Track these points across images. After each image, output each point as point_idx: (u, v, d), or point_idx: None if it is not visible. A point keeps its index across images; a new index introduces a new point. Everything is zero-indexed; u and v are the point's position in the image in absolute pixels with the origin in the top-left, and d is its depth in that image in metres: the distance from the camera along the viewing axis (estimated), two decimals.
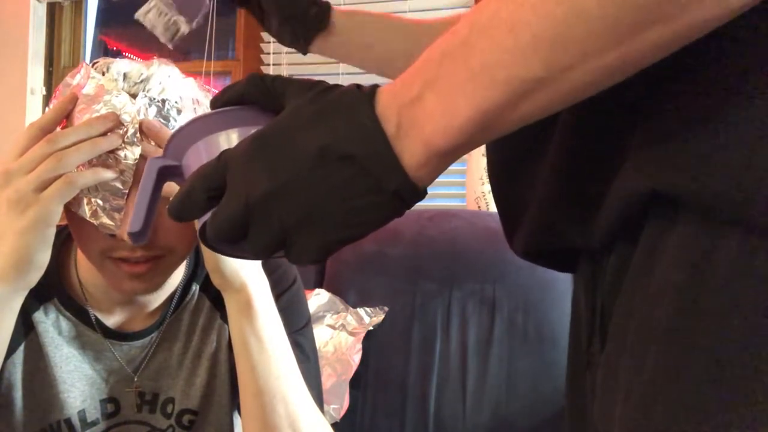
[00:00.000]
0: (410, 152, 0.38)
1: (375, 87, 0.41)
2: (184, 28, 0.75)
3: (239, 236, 0.42)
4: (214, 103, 0.49)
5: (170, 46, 0.75)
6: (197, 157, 0.48)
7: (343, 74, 2.14)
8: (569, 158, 0.43)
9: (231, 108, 0.48)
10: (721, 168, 0.33)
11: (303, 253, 0.42)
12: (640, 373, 0.36)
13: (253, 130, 0.46)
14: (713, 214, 0.34)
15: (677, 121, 0.36)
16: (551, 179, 0.44)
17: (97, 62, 0.75)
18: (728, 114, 0.34)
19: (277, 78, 0.46)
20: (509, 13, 0.34)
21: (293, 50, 0.86)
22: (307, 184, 0.40)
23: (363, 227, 0.41)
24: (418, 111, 0.38)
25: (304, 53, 0.84)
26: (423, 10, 2.20)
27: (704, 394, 0.33)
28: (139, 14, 0.73)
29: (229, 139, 0.47)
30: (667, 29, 0.32)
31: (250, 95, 0.47)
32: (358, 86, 0.42)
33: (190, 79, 0.78)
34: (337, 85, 0.43)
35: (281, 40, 0.84)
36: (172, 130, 0.72)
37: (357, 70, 2.50)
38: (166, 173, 0.51)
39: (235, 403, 0.87)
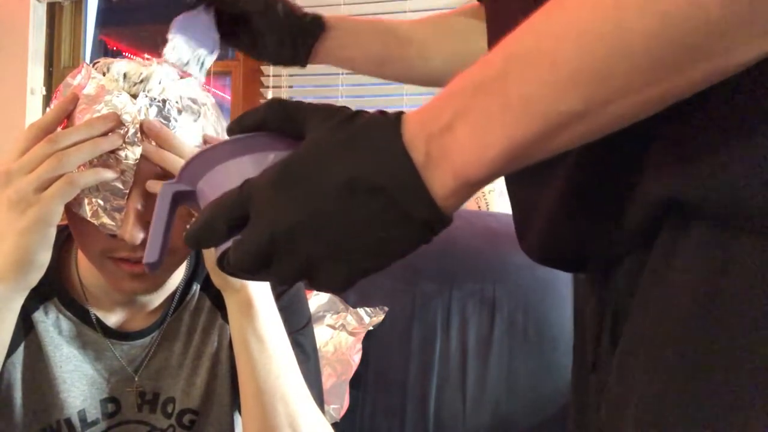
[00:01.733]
0: (440, 182, 0.38)
1: (401, 114, 0.40)
2: (209, 61, 0.78)
3: (263, 267, 0.42)
4: (232, 130, 0.48)
5: (203, 79, 0.78)
6: (215, 183, 0.47)
7: (343, 74, 2.14)
8: (585, 170, 0.43)
9: (250, 134, 0.47)
10: (740, 177, 0.34)
11: (329, 283, 0.41)
12: (655, 374, 0.36)
13: (271, 156, 0.45)
14: (731, 220, 0.34)
15: (697, 133, 0.36)
16: (567, 190, 0.44)
17: (97, 62, 0.75)
18: (747, 128, 0.34)
19: (298, 104, 0.45)
20: (549, 46, 0.34)
21: (327, 64, 0.88)
22: (334, 216, 0.39)
23: (391, 257, 0.41)
24: (449, 141, 0.37)
25: (304, 65, 0.86)
26: (423, 10, 2.20)
27: (720, 397, 0.33)
28: (166, 53, 0.75)
29: (249, 166, 0.46)
30: (710, 67, 0.32)
31: (269, 122, 0.46)
32: (383, 113, 0.41)
33: (191, 79, 0.78)
34: (360, 112, 0.42)
35: (280, 59, 0.85)
36: (173, 131, 0.72)
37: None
38: (178, 198, 0.50)
39: (236, 403, 0.87)
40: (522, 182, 0.51)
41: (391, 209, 0.39)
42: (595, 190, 0.42)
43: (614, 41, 0.32)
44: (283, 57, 0.85)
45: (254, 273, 0.43)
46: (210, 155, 0.48)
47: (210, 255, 0.76)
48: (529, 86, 0.34)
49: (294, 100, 0.46)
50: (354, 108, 0.43)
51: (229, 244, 0.44)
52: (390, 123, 0.40)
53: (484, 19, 0.88)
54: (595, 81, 0.33)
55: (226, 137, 0.48)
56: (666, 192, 0.37)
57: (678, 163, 0.37)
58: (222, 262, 0.46)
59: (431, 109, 0.39)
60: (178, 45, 0.75)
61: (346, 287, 0.42)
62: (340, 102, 2.16)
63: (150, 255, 0.49)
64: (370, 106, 2.20)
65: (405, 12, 2.19)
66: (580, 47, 0.33)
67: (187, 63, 0.76)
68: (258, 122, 0.46)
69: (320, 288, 0.42)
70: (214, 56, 0.78)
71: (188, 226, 0.45)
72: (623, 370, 0.40)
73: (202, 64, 0.77)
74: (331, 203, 0.39)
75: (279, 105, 0.46)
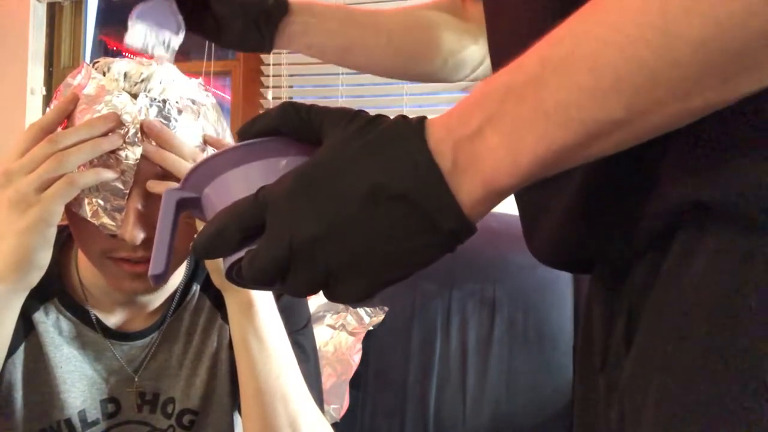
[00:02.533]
0: (467, 190, 0.37)
1: (423, 119, 0.39)
2: (175, 41, 0.78)
3: (278, 279, 0.40)
4: (244, 134, 0.45)
5: (171, 60, 0.78)
6: (224, 190, 0.45)
7: (343, 74, 2.14)
8: (600, 172, 0.42)
9: (262, 139, 0.44)
10: (762, 179, 0.33)
11: (348, 295, 0.40)
12: (674, 375, 0.36)
13: (284, 162, 0.43)
14: (756, 220, 0.34)
15: (722, 133, 0.35)
16: (582, 192, 0.43)
17: (97, 62, 0.75)
18: None
19: (313, 108, 0.43)
20: (590, 51, 0.32)
21: (293, 51, 0.86)
22: (357, 226, 0.38)
23: (414, 267, 0.39)
24: (478, 147, 0.36)
25: (270, 50, 0.83)
26: None
27: (743, 398, 0.32)
28: (128, 40, 0.76)
29: (261, 172, 0.44)
30: (761, 75, 0.31)
31: (282, 126, 0.44)
32: (404, 117, 0.39)
33: (192, 79, 0.78)
34: (380, 116, 0.41)
35: (245, 45, 0.83)
36: (174, 131, 0.72)
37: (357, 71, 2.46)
38: (181, 205, 0.48)
39: (235, 403, 0.87)
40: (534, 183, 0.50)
41: (416, 218, 0.37)
42: (611, 192, 0.42)
43: (662, 50, 0.30)
44: (248, 42, 0.82)
45: (268, 285, 0.41)
46: (219, 161, 0.45)
47: None
48: (566, 92, 0.33)
49: (306, 102, 0.44)
50: (354, 105, 0.42)
51: (239, 255, 0.42)
52: (413, 128, 0.38)
53: (456, 14, 0.87)
54: (639, 90, 0.32)
55: (228, 138, 0.46)
56: (690, 194, 0.36)
57: (703, 164, 0.36)
58: (230, 274, 0.45)
59: (458, 113, 0.37)
60: (139, 31, 0.75)
61: (365, 299, 0.40)
62: (340, 102, 2.16)
63: (156, 267, 0.47)
64: (371, 106, 2.20)
65: None
66: (626, 55, 0.31)
67: (153, 47, 0.76)
68: (270, 127, 0.44)
69: (337, 300, 0.40)
70: (181, 37, 0.78)
71: (196, 235, 0.43)
72: (639, 371, 0.39)
73: (168, 45, 0.77)
74: (353, 212, 0.38)
75: (293, 108, 0.43)
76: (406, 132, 0.38)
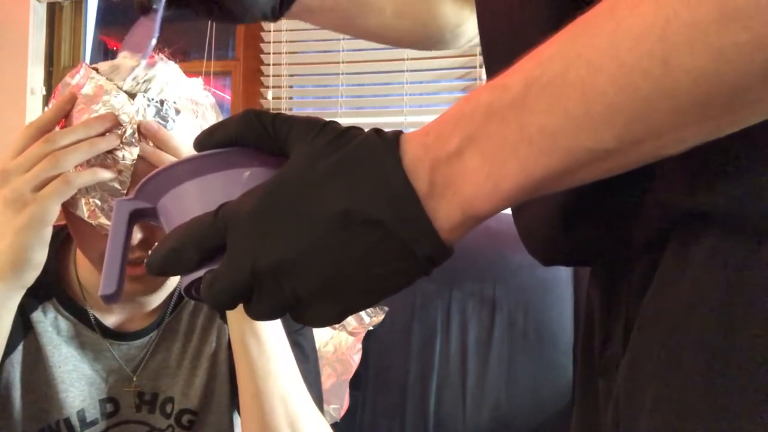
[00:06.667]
0: (444, 214, 0.35)
1: (398, 134, 0.37)
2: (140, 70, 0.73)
3: (240, 303, 0.39)
4: (201, 144, 0.42)
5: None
6: (182, 201, 0.42)
7: (343, 74, 2.14)
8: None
9: (221, 150, 0.41)
10: (762, 185, 0.33)
11: (316, 320, 0.38)
12: (671, 381, 0.35)
13: (246, 174, 0.41)
14: (752, 228, 0.33)
15: (716, 142, 0.34)
16: (569, 198, 0.41)
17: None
18: None
19: (278, 117, 0.40)
20: (580, 77, 0.30)
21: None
22: (326, 252, 0.36)
23: (387, 292, 0.38)
24: (457, 169, 0.34)
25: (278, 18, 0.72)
26: None
27: (741, 403, 0.32)
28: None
29: (221, 184, 0.41)
30: (764, 107, 0.29)
31: (244, 137, 0.41)
32: (378, 132, 0.37)
33: (191, 79, 0.78)
34: (351, 128, 0.38)
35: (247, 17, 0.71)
36: (171, 131, 0.72)
37: (357, 69, 2.45)
38: (135, 215, 0.44)
39: (235, 404, 0.87)
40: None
41: (390, 245, 0.35)
42: (601, 197, 0.40)
43: (659, 80, 0.29)
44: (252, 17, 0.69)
45: (230, 308, 0.39)
46: (176, 170, 0.42)
47: None
48: (552, 118, 0.31)
49: (272, 111, 0.42)
50: (354, 105, 0.41)
51: (198, 274, 0.40)
52: (387, 146, 0.36)
53: None
54: (632, 120, 0.30)
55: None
56: (688, 201, 0.35)
57: (701, 171, 0.35)
58: (190, 291, 0.42)
59: (436, 131, 0.35)
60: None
61: (335, 323, 0.39)
62: (340, 102, 2.16)
63: (107, 285, 0.43)
64: (371, 106, 2.20)
65: None
66: (619, 83, 0.29)
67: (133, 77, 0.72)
68: (230, 137, 0.41)
69: (306, 324, 0.39)
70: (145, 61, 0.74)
71: (151, 251, 0.40)
72: (634, 377, 0.38)
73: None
74: (321, 238, 0.35)
75: (255, 118, 0.40)
76: (379, 150, 0.36)
